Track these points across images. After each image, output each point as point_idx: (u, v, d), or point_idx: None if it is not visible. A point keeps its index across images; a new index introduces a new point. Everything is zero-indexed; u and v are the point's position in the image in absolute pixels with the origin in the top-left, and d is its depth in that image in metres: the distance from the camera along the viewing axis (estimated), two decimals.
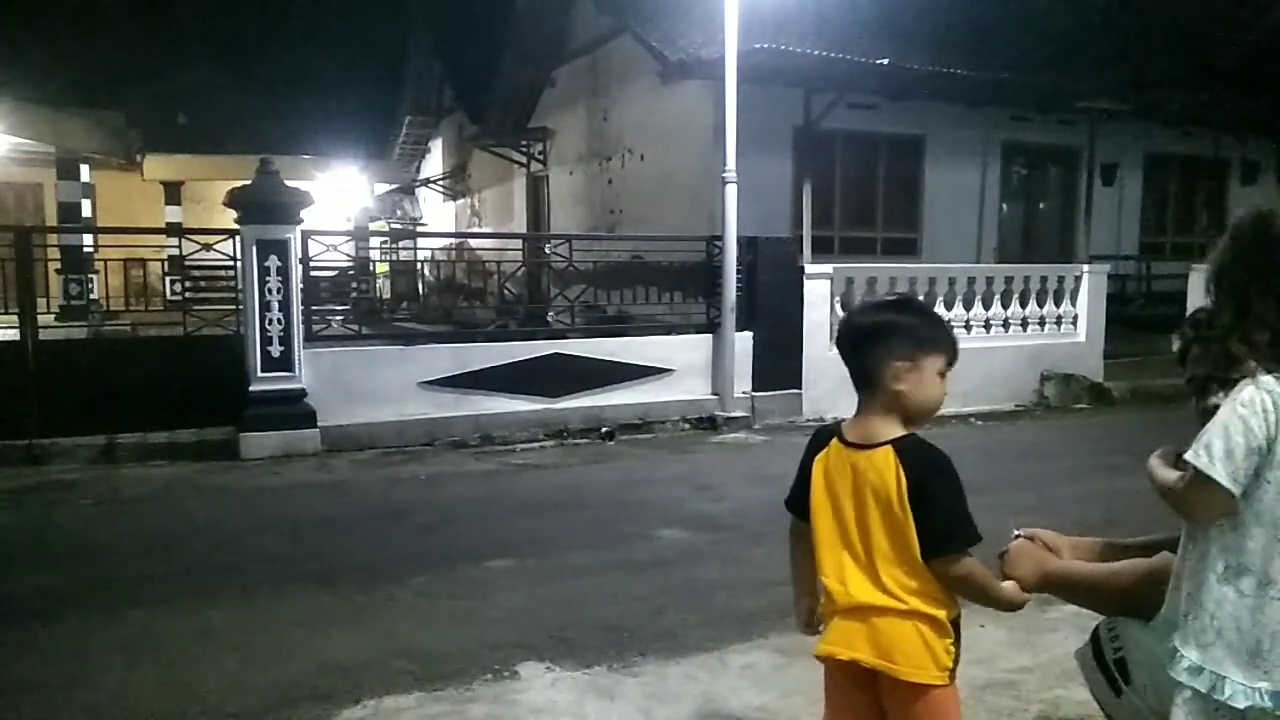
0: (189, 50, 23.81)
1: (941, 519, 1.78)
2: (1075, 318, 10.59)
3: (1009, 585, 1.92)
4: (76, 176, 15.51)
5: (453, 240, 17.90)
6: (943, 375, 1.89)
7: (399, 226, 22.41)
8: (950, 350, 1.90)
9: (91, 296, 13.67)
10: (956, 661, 1.85)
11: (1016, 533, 2.11)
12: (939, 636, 1.82)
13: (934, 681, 1.81)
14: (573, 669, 3.37)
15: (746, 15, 8.50)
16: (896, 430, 1.85)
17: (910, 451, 1.81)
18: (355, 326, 9.23)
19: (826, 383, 8.81)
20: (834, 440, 1.92)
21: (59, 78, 17.20)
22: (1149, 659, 1.81)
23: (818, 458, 1.94)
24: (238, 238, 7.33)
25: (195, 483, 6.53)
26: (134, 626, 3.82)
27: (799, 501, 1.98)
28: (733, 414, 8.59)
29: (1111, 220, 13.54)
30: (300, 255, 7.51)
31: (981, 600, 1.87)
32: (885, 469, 1.81)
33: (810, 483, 1.94)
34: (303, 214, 7.48)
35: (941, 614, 1.82)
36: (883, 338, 1.86)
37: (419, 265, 14.05)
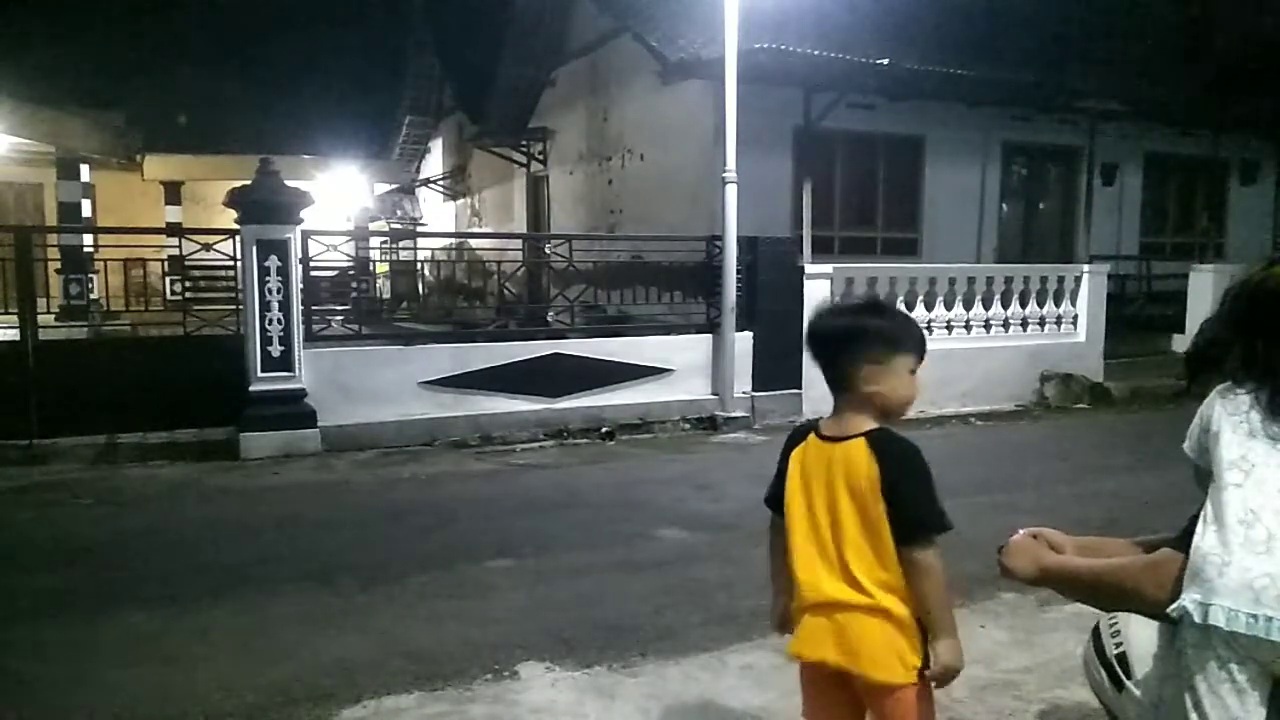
0: (189, 50, 23.82)
1: (914, 506, 1.82)
2: (1075, 318, 10.59)
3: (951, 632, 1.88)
4: (76, 176, 15.50)
5: (453, 240, 17.90)
6: (913, 373, 1.93)
7: (399, 226, 22.41)
8: (919, 348, 1.94)
9: (91, 296, 13.67)
10: (926, 660, 1.85)
11: (1020, 531, 2.12)
12: (905, 636, 1.84)
13: (902, 681, 1.83)
14: (573, 669, 3.37)
15: (746, 15, 8.50)
16: (871, 425, 1.90)
17: (883, 442, 1.86)
18: (355, 326, 9.23)
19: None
20: (811, 435, 1.96)
21: (59, 78, 17.20)
22: (1150, 653, 1.82)
23: (794, 452, 1.97)
24: (238, 238, 7.34)
25: (195, 482, 6.53)
26: (134, 626, 3.82)
27: (777, 498, 2.00)
28: (733, 414, 8.59)
29: (1111, 220, 13.53)
30: (300, 255, 7.51)
31: (937, 603, 1.84)
32: (859, 459, 1.85)
33: (787, 478, 1.97)
34: (303, 214, 7.48)
35: (907, 611, 1.84)
36: (854, 341, 1.91)
37: (419, 265, 14.06)
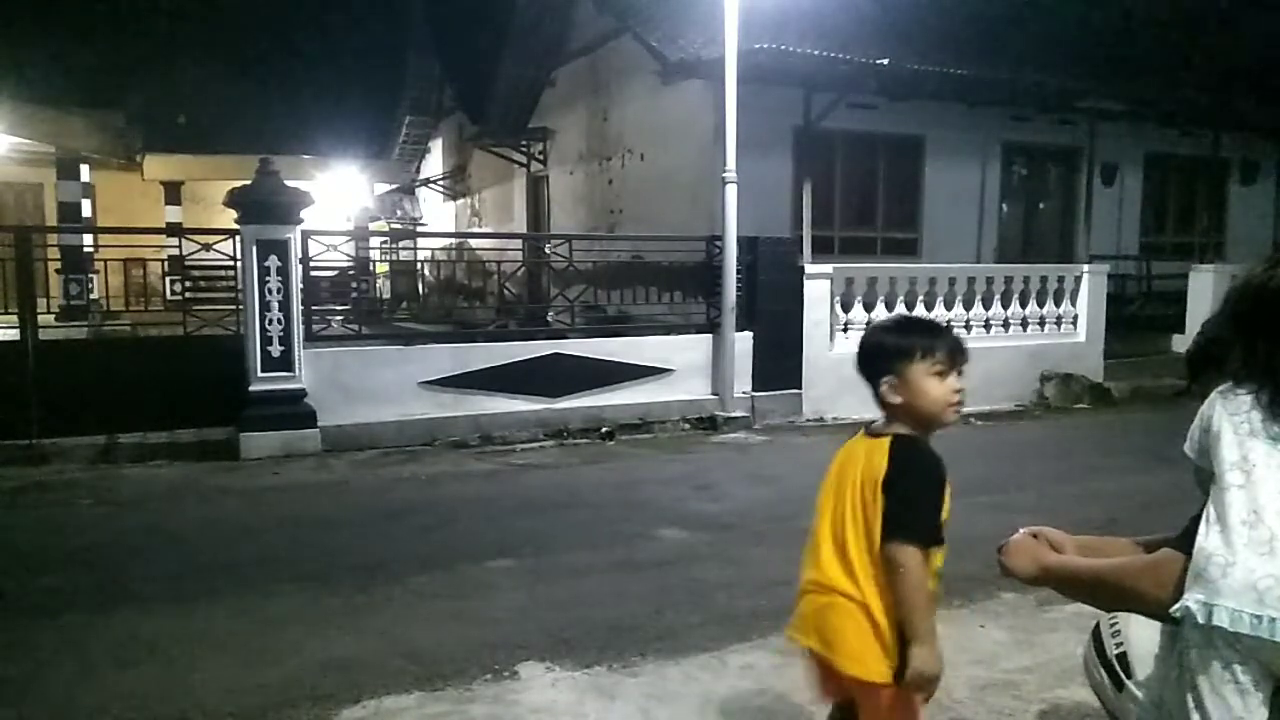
0: (189, 50, 23.78)
1: (900, 506, 1.86)
2: (1075, 318, 10.60)
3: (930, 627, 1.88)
4: (76, 176, 15.51)
5: (453, 240, 17.91)
6: (941, 375, 1.95)
7: (399, 226, 22.41)
8: (938, 350, 1.96)
9: (91, 296, 13.68)
10: (904, 664, 1.86)
11: (1020, 531, 2.12)
12: (881, 635, 1.87)
13: (875, 679, 1.86)
14: (573, 669, 3.37)
15: (746, 15, 8.50)
16: (903, 431, 1.97)
17: (903, 444, 1.92)
18: (355, 326, 9.25)
19: (826, 383, 8.82)
20: (861, 432, 2.06)
21: (59, 78, 17.18)
22: (1151, 653, 1.82)
23: (844, 445, 2.07)
24: (238, 238, 7.33)
25: (195, 483, 6.53)
26: (134, 626, 3.82)
27: None
28: (733, 414, 8.59)
29: (1111, 220, 13.53)
30: (300, 255, 7.51)
31: (909, 605, 1.85)
32: (878, 455, 1.92)
33: (830, 466, 2.08)
34: (303, 214, 7.48)
35: (885, 610, 1.88)
36: (868, 362, 2.02)
37: (419, 265, 14.08)
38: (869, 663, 1.86)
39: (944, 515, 1.92)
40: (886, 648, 1.86)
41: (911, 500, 1.86)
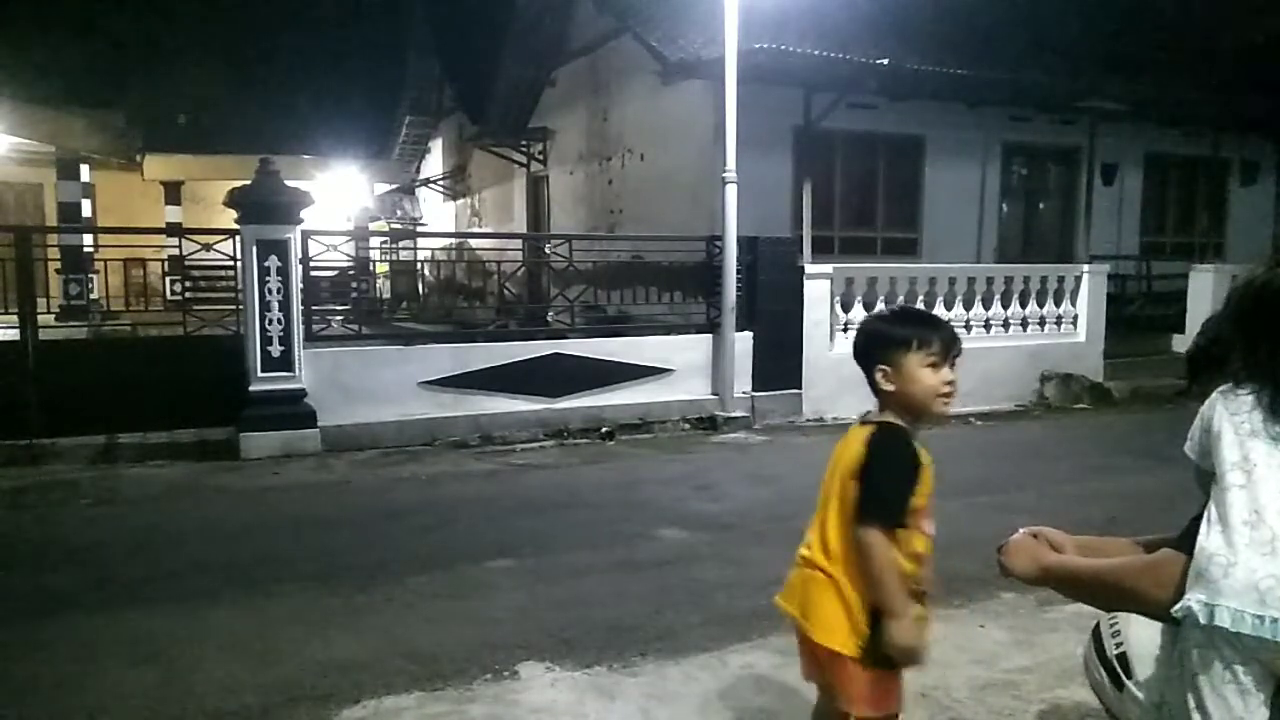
0: (189, 50, 23.79)
1: (868, 490, 1.95)
2: (1075, 318, 10.60)
3: (907, 609, 1.93)
4: (76, 176, 15.51)
5: (453, 240, 17.91)
6: (934, 366, 2.01)
7: (399, 226, 22.42)
8: (933, 341, 2.02)
9: (91, 296, 13.69)
10: (875, 646, 1.94)
11: (1020, 531, 2.12)
12: (849, 610, 1.97)
13: (842, 650, 1.97)
14: (573, 669, 3.37)
15: (746, 15, 8.50)
16: (890, 419, 2.05)
17: (881, 432, 2.01)
18: (355, 326, 9.25)
19: (826, 383, 8.82)
20: (859, 421, 2.13)
21: (59, 78, 17.22)
22: (1151, 653, 1.82)
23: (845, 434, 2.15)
24: (238, 238, 7.33)
25: (195, 483, 6.53)
26: (134, 626, 3.82)
27: None
28: (733, 414, 8.59)
29: (1111, 220, 13.53)
30: (300, 255, 7.50)
31: (878, 583, 1.92)
32: (858, 442, 2.01)
33: None
34: (303, 214, 7.48)
35: (853, 587, 1.97)
36: (865, 350, 2.10)
37: (419, 265, 14.08)
38: (837, 634, 1.97)
39: (920, 501, 1.99)
40: (855, 624, 1.96)
41: (879, 484, 1.95)
